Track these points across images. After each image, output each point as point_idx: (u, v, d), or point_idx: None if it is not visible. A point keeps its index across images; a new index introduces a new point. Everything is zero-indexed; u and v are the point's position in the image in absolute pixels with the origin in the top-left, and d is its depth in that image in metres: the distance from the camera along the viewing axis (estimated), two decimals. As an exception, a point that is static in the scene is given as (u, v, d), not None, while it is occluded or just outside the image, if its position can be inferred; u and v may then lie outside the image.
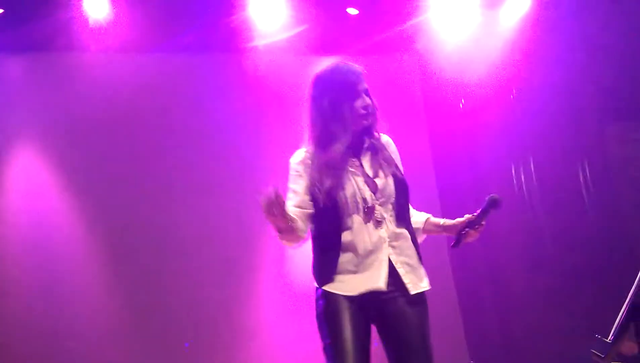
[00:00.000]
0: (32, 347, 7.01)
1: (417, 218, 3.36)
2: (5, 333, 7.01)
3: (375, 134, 3.13)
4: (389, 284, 3.00)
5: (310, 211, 3.00)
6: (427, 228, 3.36)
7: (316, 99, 3.01)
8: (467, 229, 3.26)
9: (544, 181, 7.93)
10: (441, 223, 3.33)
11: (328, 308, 2.94)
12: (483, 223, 3.27)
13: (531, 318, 7.61)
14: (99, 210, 7.32)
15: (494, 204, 3.26)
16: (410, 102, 8.13)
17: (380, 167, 3.06)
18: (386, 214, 3.02)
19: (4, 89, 7.33)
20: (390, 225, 3.03)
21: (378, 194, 3.01)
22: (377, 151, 3.09)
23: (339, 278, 2.96)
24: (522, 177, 8.03)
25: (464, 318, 7.63)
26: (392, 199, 3.04)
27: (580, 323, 7.08)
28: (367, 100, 3.02)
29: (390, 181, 3.06)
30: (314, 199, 2.97)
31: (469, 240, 3.27)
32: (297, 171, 3.05)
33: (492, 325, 7.83)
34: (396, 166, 3.11)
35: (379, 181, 3.03)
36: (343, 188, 2.95)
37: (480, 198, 7.93)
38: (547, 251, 7.81)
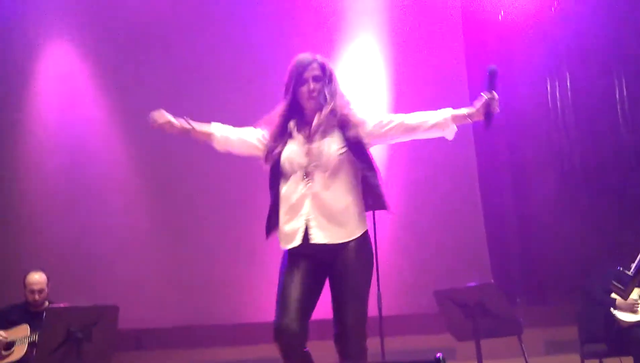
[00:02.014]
0: (59, 248, 7.11)
1: (440, 113, 3.59)
2: (31, 232, 7.13)
3: (334, 109, 3.46)
4: (308, 237, 3.36)
5: (245, 138, 3.63)
6: (454, 121, 3.57)
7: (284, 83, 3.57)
8: (488, 108, 3.45)
9: (579, 97, 7.90)
10: (466, 112, 3.54)
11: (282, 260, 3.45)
12: (496, 95, 3.45)
13: (551, 243, 7.58)
14: (132, 115, 7.29)
15: (493, 74, 3.42)
16: (448, 12, 7.88)
17: (323, 137, 3.43)
18: (318, 175, 3.38)
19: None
20: (318, 185, 3.38)
21: (312, 158, 3.39)
22: (326, 124, 3.44)
23: (279, 231, 3.45)
24: (557, 92, 7.94)
25: (488, 240, 7.61)
26: (328, 163, 3.40)
27: (602, 253, 7.05)
28: (312, 85, 3.44)
29: (329, 147, 3.41)
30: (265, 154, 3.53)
31: (494, 112, 3.50)
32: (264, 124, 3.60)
33: (515, 248, 7.89)
34: (346, 139, 3.45)
35: (315, 147, 3.41)
36: (281, 151, 3.45)
37: (514, 111, 7.86)
38: (575, 173, 7.75)
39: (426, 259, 7.29)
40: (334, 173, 3.39)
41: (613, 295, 5.59)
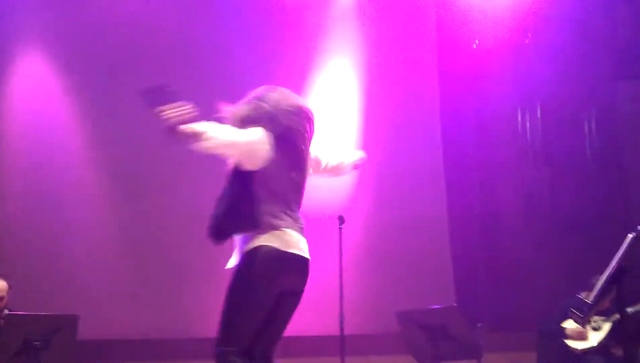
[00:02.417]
0: (30, 246, 7.04)
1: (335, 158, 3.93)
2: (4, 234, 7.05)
3: None
4: None
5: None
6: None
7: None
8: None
9: (549, 130, 7.94)
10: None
11: None
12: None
13: (518, 266, 7.67)
14: (101, 115, 7.24)
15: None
16: (423, 37, 7.99)
17: None
18: None
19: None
20: None
21: None
22: None
23: None
24: (528, 123, 7.98)
25: (453, 262, 7.66)
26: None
27: (565, 274, 7.14)
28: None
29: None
30: None
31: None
32: None
33: (480, 272, 7.95)
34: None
35: None
36: None
37: (483, 141, 7.92)
38: (543, 199, 7.86)
39: (390, 279, 7.28)
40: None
41: (564, 324, 5.68)
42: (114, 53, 7.51)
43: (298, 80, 7.80)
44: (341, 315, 5.32)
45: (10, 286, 5.64)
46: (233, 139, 3.28)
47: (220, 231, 3.38)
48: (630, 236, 3.44)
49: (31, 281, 6.64)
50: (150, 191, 7.37)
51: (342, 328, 5.29)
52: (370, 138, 7.82)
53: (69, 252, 7.18)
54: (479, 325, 5.49)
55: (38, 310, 5.27)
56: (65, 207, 7.30)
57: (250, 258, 3.28)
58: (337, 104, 7.91)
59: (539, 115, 8.06)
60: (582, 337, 5.63)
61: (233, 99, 7.38)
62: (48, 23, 7.49)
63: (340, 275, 5.32)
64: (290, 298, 3.40)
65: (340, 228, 5.54)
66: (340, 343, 5.25)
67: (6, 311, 5.49)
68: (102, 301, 6.99)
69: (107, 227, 7.35)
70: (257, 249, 3.26)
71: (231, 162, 3.36)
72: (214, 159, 3.39)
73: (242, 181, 3.32)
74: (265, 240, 3.26)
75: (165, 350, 6.95)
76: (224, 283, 6.39)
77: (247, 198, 3.31)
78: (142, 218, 7.36)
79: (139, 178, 7.40)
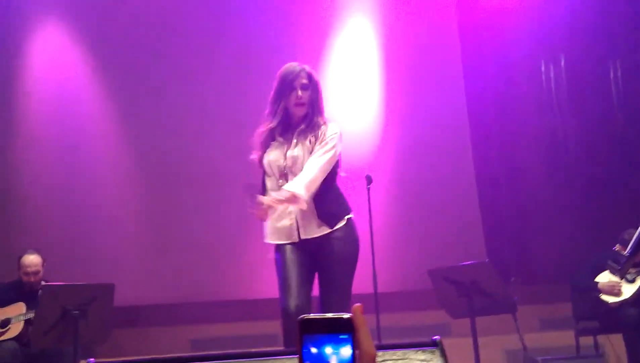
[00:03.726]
0: (50, 220, 7.06)
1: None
2: (26, 211, 7.06)
3: (316, 120, 3.75)
4: (299, 233, 3.71)
5: None
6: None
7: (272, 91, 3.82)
8: None
9: (573, 80, 7.71)
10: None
11: (276, 256, 3.75)
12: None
13: (546, 219, 7.58)
14: (125, 97, 7.21)
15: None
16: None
17: (302, 143, 3.72)
18: (293, 176, 3.68)
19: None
20: None
21: (289, 162, 3.70)
22: (306, 132, 3.73)
23: (272, 228, 3.76)
24: (552, 74, 7.80)
25: (483, 218, 7.59)
26: (299, 170, 3.69)
27: (595, 228, 7.05)
28: (300, 93, 3.70)
29: (303, 156, 3.70)
30: None
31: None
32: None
33: (510, 227, 7.87)
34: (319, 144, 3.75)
35: (291, 153, 3.71)
36: (264, 155, 3.76)
37: (508, 95, 7.82)
38: (569, 153, 7.71)
39: (421, 237, 7.26)
40: None
41: (597, 279, 5.64)
42: (136, 23, 7.43)
43: (318, 38, 7.70)
44: (374, 273, 5.30)
45: (45, 260, 5.67)
46: (317, 175, 3.69)
47: (336, 218, 3.74)
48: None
49: (63, 255, 6.66)
50: (175, 163, 7.35)
51: (375, 287, 5.27)
52: (392, 95, 7.73)
53: (100, 224, 7.19)
54: (512, 279, 5.46)
55: (74, 281, 5.30)
56: (95, 181, 7.30)
57: (350, 232, 3.73)
58: (357, 63, 7.80)
59: (563, 66, 7.91)
60: (615, 290, 5.58)
61: (254, 59, 7.37)
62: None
63: (371, 235, 5.28)
64: None
65: (368, 188, 5.49)
66: (375, 301, 5.23)
67: (42, 283, 5.54)
68: (134, 270, 7.02)
69: (133, 195, 7.35)
70: (350, 221, 3.76)
71: None
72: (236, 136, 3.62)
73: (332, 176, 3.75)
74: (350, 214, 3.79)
75: (196, 313, 7.00)
76: (244, 250, 6.41)
77: (337, 190, 3.81)
78: (169, 189, 7.35)
79: (164, 152, 7.38)
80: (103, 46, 7.46)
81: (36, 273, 5.56)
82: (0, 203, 7.14)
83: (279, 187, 3.68)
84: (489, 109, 7.96)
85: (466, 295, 5.11)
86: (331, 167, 3.74)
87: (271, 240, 3.79)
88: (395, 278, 6.80)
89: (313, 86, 3.76)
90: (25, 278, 5.56)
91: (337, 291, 3.71)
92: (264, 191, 3.78)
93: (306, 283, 3.68)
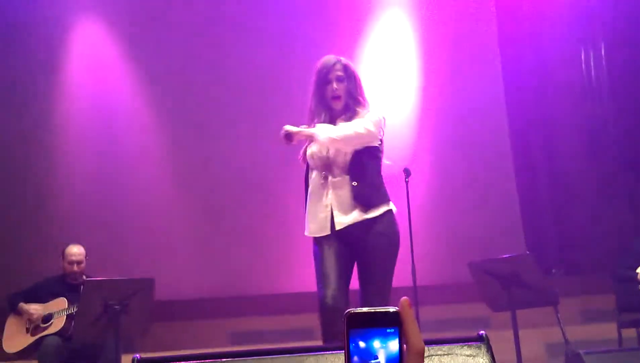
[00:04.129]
0: (91, 216, 7.14)
1: None
2: (65, 207, 7.14)
3: (354, 110, 3.76)
4: (333, 224, 3.71)
5: None
6: None
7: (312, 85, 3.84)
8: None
9: (614, 68, 7.54)
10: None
11: (314, 248, 3.78)
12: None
13: (587, 210, 7.42)
14: (163, 89, 7.23)
15: None
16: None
17: None
18: (336, 170, 3.70)
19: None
20: (336, 179, 3.71)
21: (331, 152, 3.71)
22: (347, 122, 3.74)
23: (311, 221, 3.78)
24: (592, 62, 7.64)
25: (522, 209, 7.50)
26: (342, 162, 3.71)
27: (635, 215, 6.92)
28: (335, 85, 3.71)
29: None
30: None
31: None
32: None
33: (549, 218, 7.74)
34: None
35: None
36: (308, 148, 3.77)
37: (547, 83, 7.71)
38: (610, 142, 7.56)
39: (460, 229, 7.21)
40: (346, 169, 3.71)
41: (638, 269, 5.53)
42: (173, 19, 7.47)
43: (354, 31, 7.68)
44: (413, 266, 5.26)
45: (87, 253, 5.73)
46: (347, 132, 3.68)
47: (371, 203, 3.72)
48: None
49: (103, 250, 6.72)
50: (214, 159, 7.39)
51: (414, 280, 5.24)
52: (429, 87, 7.68)
53: (140, 220, 7.26)
54: (553, 271, 5.38)
55: (113, 276, 5.35)
56: (134, 177, 7.38)
57: (390, 222, 3.73)
58: (394, 56, 7.76)
59: (603, 53, 7.77)
60: None
61: (290, 51, 7.36)
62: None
63: (410, 227, 5.25)
64: None
65: (406, 181, 5.46)
66: (414, 294, 5.20)
67: (84, 277, 5.60)
68: (173, 265, 7.07)
69: (175, 194, 7.40)
70: (389, 212, 3.75)
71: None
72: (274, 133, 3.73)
73: (366, 163, 3.74)
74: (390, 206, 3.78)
75: (235, 307, 7.03)
76: (283, 244, 6.42)
77: (379, 178, 3.81)
78: (207, 185, 7.39)
79: (202, 148, 7.42)
80: (141, 42, 7.51)
81: (80, 262, 5.62)
82: (42, 199, 7.24)
83: (323, 179, 3.70)
84: (527, 99, 7.86)
85: (507, 288, 5.05)
86: (365, 139, 3.72)
87: (309, 232, 3.81)
88: (435, 271, 6.77)
89: (349, 77, 3.77)
90: (69, 268, 5.61)
91: (375, 284, 3.71)
92: (307, 186, 3.81)
93: (343, 275, 3.69)
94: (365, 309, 1.05)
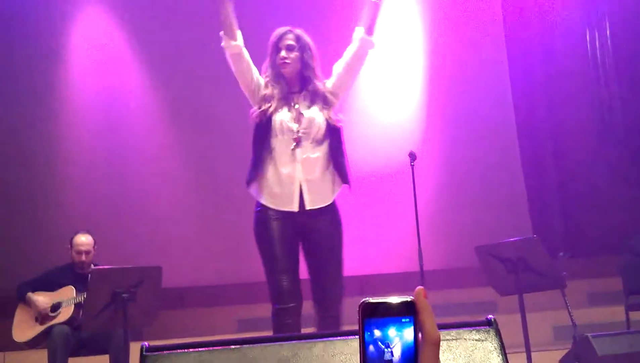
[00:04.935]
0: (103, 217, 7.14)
1: (355, 35, 3.90)
2: (74, 197, 7.14)
3: (317, 85, 3.73)
4: (303, 203, 3.64)
5: (247, 62, 3.77)
6: (369, 23, 3.90)
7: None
8: None
9: (620, 48, 7.50)
10: (369, 14, 3.88)
11: (262, 217, 3.69)
12: None
13: (593, 192, 7.40)
14: (170, 80, 7.23)
15: None
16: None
17: (308, 107, 3.70)
18: (306, 143, 3.63)
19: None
20: (307, 152, 3.63)
21: (303, 125, 3.63)
22: (314, 97, 3.71)
23: (273, 190, 3.68)
24: (597, 42, 7.59)
25: (528, 192, 7.48)
26: (316, 133, 3.65)
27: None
28: (284, 53, 3.70)
29: (317, 118, 3.67)
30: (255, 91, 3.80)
31: None
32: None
33: (556, 201, 7.71)
34: (329, 108, 3.74)
35: (308, 114, 3.66)
36: (274, 114, 3.67)
37: (552, 65, 7.65)
38: (615, 122, 7.51)
39: (466, 213, 7.21)
40: (318, 142, 3.65)
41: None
42: (182, 10, 7.44)
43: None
44: (419, 250, 5.26)
45: (95, 242, 5.74)
46: None
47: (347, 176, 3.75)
48: None
49: (111, 238, 6.73)
50: (220, 151, 7.38)
51: (421, 264, 5.23)
52: (437, 74, 7.65)
53: (147, 209, 7.27)
54: (560, 254, 5.36)
55: (121, 264, 5.35)
56: (141, 168, 7.37)
57: (338, 210, 3.73)
58: (402, 50, 7.73)
59: (608, 33, 7.72)
60: None
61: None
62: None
63: (416, 212, 5.25)
64: None
65: (412, 165, 5.44)
66: (421, 278, 5.20)
67: (92, 267, 5.61)
68: (180, 252, 7.08)
69: (181, 184, 7.40)
70: (335, 201, 3.75)
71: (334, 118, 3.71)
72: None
73: (338, 138, 3.74)
74: None
75: (243, 293, 7.04)
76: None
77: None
78: (213, 174, 7.39)
79: (209, 140, 7.40)
80: (147, 33, 7.49)
81: (88, 252, 5.63)
82: (49, 189, 7.25)
83: (292, 152, 3.61)
84: (533, 83, 7.83)
85: (514, 272, 5.04)
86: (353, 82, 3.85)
87: (268, 202, 3.68)
88: (441, 255, 6.76)
89: (302, 47, 3.75)
90: (77, 257, 5.62)
91: (334, 269, 3.71)
92: (262, 150, 3.70)
93: (297, 259, 3.67)
94: (380, 298, 1.06)
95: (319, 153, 3.64)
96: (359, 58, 3.81)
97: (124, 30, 7.55)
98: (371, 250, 7.06)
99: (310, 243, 3.66)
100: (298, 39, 3.76)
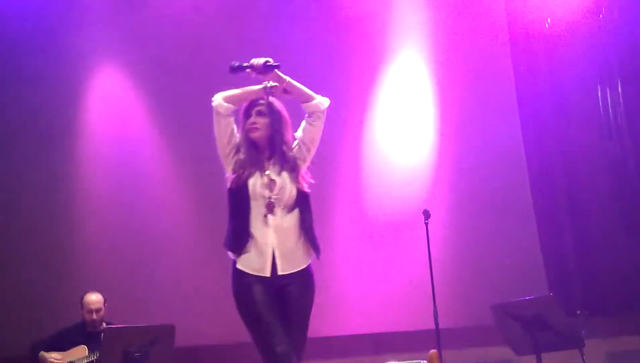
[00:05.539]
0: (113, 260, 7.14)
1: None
2: (86, 255, 7.15)
3: (281, 147, 3.75)
4: (275, 268, 3.64)
5: (232, 129, 3.79)
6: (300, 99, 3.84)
7: None
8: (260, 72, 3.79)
9: (632, 104, 7.51)
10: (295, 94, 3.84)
11: (240, 281, 3.72)
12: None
13: (610, 249, 7.33)
14: (180, 122, 7.29)
15: (235, 68, 3.81)
16: (493, 21, 7.77)
17: (279, 173, 3.71)
18: (278, 209, 3.64)
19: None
20: (278, 218, 3.65)
21: (274, 192, 3.65)
22: (283, 164, 3.72)
23: (249, 255, 3.70)
24: (609, 100, 7.63)
25: (543, 249, 7.41)
26: (288, 199, 3.66)
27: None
28: (254, 119, 3.74)
29: (288, 184, 3.68)
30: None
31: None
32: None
33: (572, 259, 7.64)
34: (297, 174, 3.75)
35: (279, 181, 3.67)
36: (248, 179, 3.70)
37: (564, 122, 7.66)
38: (630, 180, 7.48)
39: (480, 272, 7.12)
40: (289, 208, 3.66)
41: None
42: (189, 59, 7.54)
43: (369, 73, 7.71)
44: (435, 309, 5.21)
45: (106, 300, 5.74)
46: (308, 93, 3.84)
47: (310, 254, 3.75)
48: None
49: (123, 296, 6.70)
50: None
51: (437, 323, 5.19)
52: (445, 127, 7.67)
53: (160, 266, 7.23)
54: (578, 312, 5.28)
55: (133, 322, 5.32)
56: (155, 224, 7.37)
57: (312, 273, 3.73)
58: (410, 96, 7.78)
59: (620, 90, 7.74)
60: None
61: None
62: (123, 33, 7.57)
63: (430, 270, 5.23)
64: None
65: (426, 223, 5.45)
66: (436, 337, 5.14)
67: (104, 325, 5.58)
68: (195, 310, 7.02)
69: (195, 239, 7.35)
70: (310, 264, 3.74)
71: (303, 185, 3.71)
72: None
73: (308, 204, 3.74)
74: None
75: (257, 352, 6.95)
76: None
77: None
78: (224, 222, 7.36)
79: (217, 184, 7.40)
80: (159, 88, 7.57)
81: (98, 310, 5.65)
82: (63, 247, 7.24)
83: (265, 218, 3.62)
84: (545, 139, 7.81)
85: (530, 331, 4.96)
86: (316, 143, 3.79)
87: (244, 267, 3.71)
88: (457, 313, 6.67)
89: (274, 115, 3.76)
90: (88, 317, 5.64)
91: (298, 337, 3.65)
92: (237, 215, 3.76)
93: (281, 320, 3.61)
94: None
95: (290, 220, 3.67)
96: (312, 125, 3.80)
97: (138, 85, 7.62)
98: (384, 306, 7.00)
99: (281, 307, 3.64)
100: (270, 106, 3.78)
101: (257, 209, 3.66)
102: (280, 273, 3.61)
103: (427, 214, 5.41)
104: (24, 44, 7.44)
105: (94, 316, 5.62)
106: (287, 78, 3.77)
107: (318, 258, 3.73)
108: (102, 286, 5.90)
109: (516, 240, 7.32)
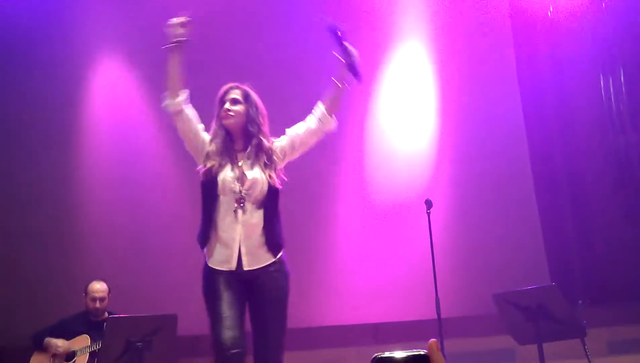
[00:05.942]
0: (114, 255, 7.12)
1: (318, 110, 3.84)
2: (90, 245, 7.14)
3: (258, 137, 3.70)
4: (241, 263, 3.63)
5: (189, 120, 3.75)
6: (330, 103, 3.82)
7: None
8: (350, 68, 3.73)
9: (634, 92, 7.47)
10: (334, 84, 3.81)
11: (210, 278, 3.74)
12: (349, 48, 3.81)
13: (612, 238, 7.31)
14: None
15: (333, 30, 3.83)
16: (496, 9, 7.74)
17: (252, 167, 3.66)
18: (248, 204, 3.60)
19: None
20: (248, 214, 3.62)
21: (245, 186, 3.60)
22: (258, 155, 3.66)
23: (216, 251, 3.69)
24: (611, 89, 7.59)
25: (545, 239, 7.40)
26: (258, 195, 3.62)
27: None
28: (228, 106, 3.70)
29: (260, 179, 3.63)
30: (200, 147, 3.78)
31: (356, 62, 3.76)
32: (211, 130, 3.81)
33: (574, 248, 7.62)
34: (271, 169, 3.69)
35: (251, 175, 3.62)
36: (218, 173, 3.64)
37: (566, 111, 7.62)
38: (631, 170, 7.44)
39: (482, 260, 7.13)
40: (259, 205, 3.63)
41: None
42: (195, 54, 7.49)
43: (372, 63, 7.68)
44: (437, 298, 5.20)
45: (110, 289, 5.73)
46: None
47: (279, 248, 3.75)
48: None
49: (125, 284, 6.70)
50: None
51: (439, 312, 5.17)
52: (447, 118, 7.66)
53: (157, 254, 7.23)
54: (579, 302, 5.28)
55: (135, 311, 5.31)
56: (156, 214, 7.36)
57: (284, 265, 3.72)
58: (412, 84, 7.76)
59: (622, 78, 7.71)
60: None
61: (308, 86, 7.37)
62: (125, 30, 7.53)
63: (433, 259, 5.21)
64: None
65: (428, 213, 5.43)
66: (438, 327, 5.13)
67: (107, 314, 5.58)
68: (199, 299, 7.01)
69: (194, 225, 7.34)
70: (283, 254, 3.74)
71: (275, 182, 3.68)
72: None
73: (276, 201, 3.72)
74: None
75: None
76: (304, 280, 6.33)
77: (280, 218, 3.76)
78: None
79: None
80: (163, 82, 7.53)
81: (102, 299, 5.64)
82: (66, 238, 7.24)
83: (234, 213, 3.59)
84: (547, 127, 7.82)
85: (532, 320, 4.96)
86: (304, 149, 3.79)
87: (211, 263, 3.72)
88: (459, 302, 6.67)
89: (249, 103, 3.74)
90: (91, 305, 5.63)
91: (273, 330, 3.68)
92: (208, 209, 3.71)
93: (242, 317, 3.64)
94: (394, 353, 1.03)
95: (259, 216, 3.64)
96: (314, 135, 3.79)
97: (139, 78, 7.60)
98: (385, 296, 7.00)
99: (253, 304, 3.68)
100: (245, 94, 3.77)
101: (226, 204, 3.64)
102: (246, 268, 3.62)
103: (429, 204, 5.38)
104: (27, 39, 7.43)
105: (98, 304, 5.61)
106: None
107: (274, 257, 3.68)
108: (105, 277, 5.89)
109: (518, 229, 7.31)
